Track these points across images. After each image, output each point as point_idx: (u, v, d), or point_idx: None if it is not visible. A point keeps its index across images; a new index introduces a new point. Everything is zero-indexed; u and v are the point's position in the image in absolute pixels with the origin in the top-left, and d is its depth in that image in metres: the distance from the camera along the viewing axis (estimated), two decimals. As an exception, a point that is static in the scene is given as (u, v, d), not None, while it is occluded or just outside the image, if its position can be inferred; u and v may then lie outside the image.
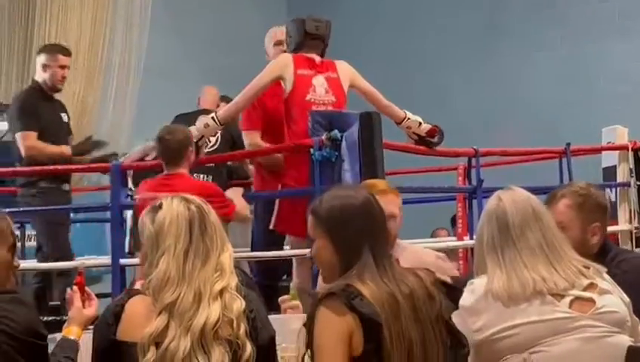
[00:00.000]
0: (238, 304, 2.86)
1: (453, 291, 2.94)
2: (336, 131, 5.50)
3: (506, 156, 7.85)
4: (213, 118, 6.03)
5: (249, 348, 2.81)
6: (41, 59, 7.05)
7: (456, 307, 2.95)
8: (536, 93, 11.45)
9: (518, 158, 8.11)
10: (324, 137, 5.52)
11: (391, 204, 3.91)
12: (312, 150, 5.55)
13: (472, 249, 6.93)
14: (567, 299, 3.01)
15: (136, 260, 5.57)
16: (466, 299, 3.06)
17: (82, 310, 3.07)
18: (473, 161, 6.60)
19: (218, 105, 7.25)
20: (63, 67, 6.98)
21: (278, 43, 6.47)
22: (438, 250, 7.75)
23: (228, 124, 6.16)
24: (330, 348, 2.70)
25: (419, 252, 4.40)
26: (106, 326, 2.81)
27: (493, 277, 3.04)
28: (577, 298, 3.03)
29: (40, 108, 6.90)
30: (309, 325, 2.76)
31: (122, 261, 6.05)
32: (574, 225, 3.56)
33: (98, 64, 10.73)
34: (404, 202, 7.24)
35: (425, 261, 3.94)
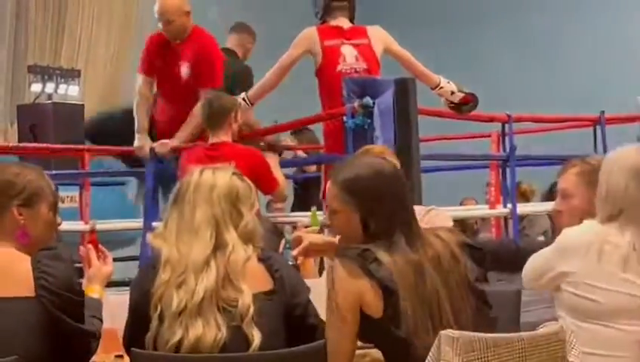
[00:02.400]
0: (247, 293, 2.78)
1: (477, 252, 2.90)
2: (368, 98, 5.46)
3: (540, 123, 7.77)
4: (244, 98, 6.04)
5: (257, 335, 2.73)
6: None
7: (481, 268, 2.91)
8: (572, 59, 11.35)
9: (551, 126, 8.03)
10: (356, 104, 5.49)
11: None
12: (344, 118, 5.52)
13: (505, 218, 6.92)
14: None
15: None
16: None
17: (101, 267, 3.08)
18: (507, 128, 6.54)
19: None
20: None
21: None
22: (471, 218, 7.84)
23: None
24: (342, 306, 2.71)
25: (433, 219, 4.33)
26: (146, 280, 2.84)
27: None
28: None
29: None
30: (328, 278, 2.78)
31: (155, 224, 6.06)
32: (579, 193, 3.53)
33: (131, 44, 10.70)
34: (435, 169, 7.30)
35: None
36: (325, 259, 4.84)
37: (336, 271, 2.74)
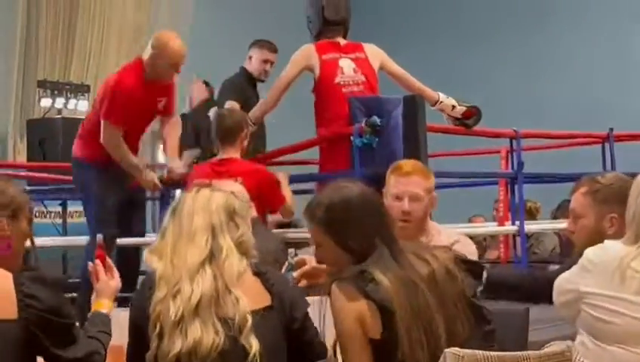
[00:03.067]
0: (242, 299, 2.78)
1: (474, 267, 2.90)
2: (375, 117, 5.48)
3: (549, 139, 7.77)
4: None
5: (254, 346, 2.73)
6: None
7: (479, 283, 2.91)
8: (577, 75, 11.35)
9: (560, 143, 8.01)
10: (363, 124, 5.50)
11: (412, 184, 3.85)
12: (352, 137, 5.53)
13: (513, 235, 6.91)
14: None
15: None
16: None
17: (108, 282, 3.06)
18: (514, 144, 6.54)
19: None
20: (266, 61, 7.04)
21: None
22: (479, 235, 7.82)
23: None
24: (348, 332, 2.71)
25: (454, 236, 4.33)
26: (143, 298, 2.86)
27: None
28: None
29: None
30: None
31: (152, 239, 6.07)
32: (588, 212, 3.51)
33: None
34: (443, 186, 7.29)
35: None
36: None
37: (334, 295, 2.74)
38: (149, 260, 2.89)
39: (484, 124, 6.32)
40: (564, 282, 3.08)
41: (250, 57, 7.00)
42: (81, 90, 10.30)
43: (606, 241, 3.07)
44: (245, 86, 6.86)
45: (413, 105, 5.41)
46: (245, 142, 5.75)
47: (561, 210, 7.95)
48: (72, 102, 10.17)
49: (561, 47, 11.70)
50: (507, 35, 12.02)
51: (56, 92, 10.07)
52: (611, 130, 7.20)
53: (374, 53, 6.04)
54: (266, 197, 5.48)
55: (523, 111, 10.66)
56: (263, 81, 6.97)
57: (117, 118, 5.70)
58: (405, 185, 3.85)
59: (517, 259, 6.91)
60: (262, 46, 7.06)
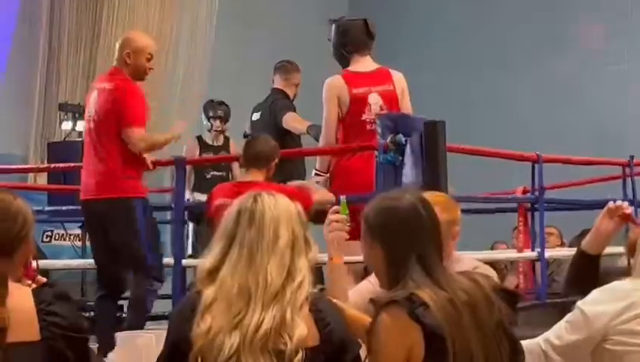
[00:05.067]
0: (302, 331, 2.52)
1: (512, 297, 2.85)
2: (400, 135, 5.48)
3: (569, 164, 7.75)
4: (316, 173, 6.11)
5: None
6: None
7: (515, 313, 2.87)
8: (601, 105, 11.34)
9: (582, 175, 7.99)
10: (388, 140, 5.51)
11: None
12: (376, 153, 5.57)
13: (532, 262, 6.88)
14: None
15: (197, 261, 5.59)
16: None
17: None
18: (536, 168, 6.52)
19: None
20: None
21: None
22: (499, 261, 7.78)
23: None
24: (392, 359, 2.62)
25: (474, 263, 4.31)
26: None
27: None
28: None
29: None
30: (370, 330, 2.66)
31: (184, 262, 6.08)
32: None
33: (162, 71, 10.79)
34: (465, 211, 7.26)
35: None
36: None
37: (385, 321, 2.62)
38: (203, 283, 2.60)
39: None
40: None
41: (287, 79, 7.05)
42: (102, 113, 10.33)
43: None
44: None
45: (434, 131, 5.39)
46: (271, 173, 5.78)
47: (581, 238, 7.92)
48: (92, 126, 10.19)
49: (577, 74, 11.70)
50: (523, 62, 12.02)
51: (77, 115, 10.11)
52: (632, 157, 7.18)
53: (401, 84, 6.05)
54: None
55: (540, 137, 10.63)
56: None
57: (142, 121, 5.66)
58: None
59: (537, 289, 6.85)
60: (297, 69, 7.14)
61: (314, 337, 2.58)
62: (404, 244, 2.75)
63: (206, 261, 2.65)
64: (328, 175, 6.03)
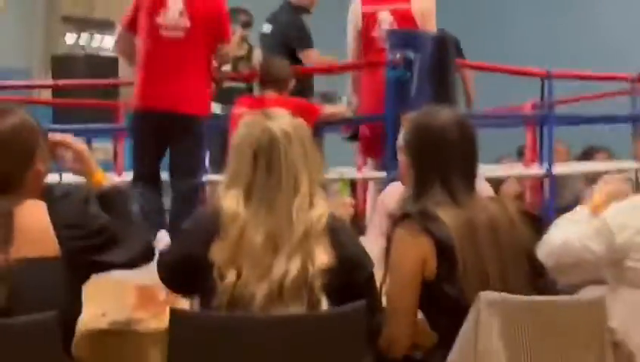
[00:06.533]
0: (323, 258, 2.54)
1: (537, 222, 2.85)
2: (410, 52, 5.45)
3: (578, 79, 7.72)
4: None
5: (324, 302, 2.54)
6: None
7: (540, 238, 2.86)
8: (606, 19, 11.19)
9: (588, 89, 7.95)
10: (398, 56, 5.50)
11: None
12: (386, 69, 5.60)
13: (542, 178, 6.87)
14: None
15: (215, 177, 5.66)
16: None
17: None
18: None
19: None
20: None
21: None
22: (508, 177, 7.78)
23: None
24: (403, 272, 2.69)
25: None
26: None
27: None
28: None
29: None
30: (387, 246, 2.74)
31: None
32: None
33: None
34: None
35: None
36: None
37: (399, 235, 2.70)
38: (228, 203, 2.57)
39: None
40: None
41: None
42: (106, 26, 10.24)
43: None
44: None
45: (444, 45, 5.34)
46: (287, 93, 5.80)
47: (588, 154, 7.95)
48: (97, 39, 10.13)
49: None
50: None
51: (81, 28, 10.02)
52: (640, 73, 7.18)
53: (420, 4, 5.98)
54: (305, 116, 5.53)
55: (547, 53, 10.51)
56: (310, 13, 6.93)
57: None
58: None
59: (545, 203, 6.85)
60: None
61: (330, 258, 2.58)
62: (431, 165, 2.79)
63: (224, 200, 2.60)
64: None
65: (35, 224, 2.48)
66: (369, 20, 5.99)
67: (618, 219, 2.90)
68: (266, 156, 2.58)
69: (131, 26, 5.48)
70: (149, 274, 2.82)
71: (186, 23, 5.39)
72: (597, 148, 8.29)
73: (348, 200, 3.67)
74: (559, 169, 6.89)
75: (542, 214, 6.66)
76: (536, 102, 7.08)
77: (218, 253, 2.55)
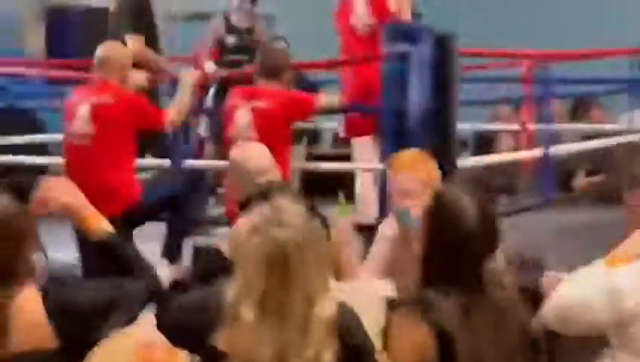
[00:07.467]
0: (328, 357, 2.47)
1: (534, 296, 2.87)
2: (405, 45, 5.40)
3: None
4: None
5: None
6: None
7: (538, 313, 2.89)
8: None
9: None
10: (393, 50, 5.44)
11: (405, 181, 3.92)
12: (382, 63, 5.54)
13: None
14: None
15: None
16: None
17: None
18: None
19: None
20: None
21: None
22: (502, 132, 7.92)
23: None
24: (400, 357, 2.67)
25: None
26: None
27: None
28: None
29: None
30: (385, 329, 2.72)
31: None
32: None
33: None
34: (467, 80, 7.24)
35: None
36: None
37: (396, 322, 2.68)
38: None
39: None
40: None
41: None
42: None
43: None
44: None
45: (445, 46, 5.27)
46: (285, 83, 5.68)
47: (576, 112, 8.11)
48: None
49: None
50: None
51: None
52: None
53: None
54: (295, 110, 5.58)
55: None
56: None
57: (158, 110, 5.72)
58: (399, 183, 3.95)
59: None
60: None
61: (335, 345, 2.52)
62: (444, 252, 2.75)
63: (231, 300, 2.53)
64: None
65: (29, 315, 2.48)
66: (345, 7, 6.14)
67: (630, 283, 2.84)
68: (280, 270, 2.48)
69: None
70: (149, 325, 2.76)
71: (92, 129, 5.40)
72: (588, 102, 8.40)
73: (347, 223, 3.62)
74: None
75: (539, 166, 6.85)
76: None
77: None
